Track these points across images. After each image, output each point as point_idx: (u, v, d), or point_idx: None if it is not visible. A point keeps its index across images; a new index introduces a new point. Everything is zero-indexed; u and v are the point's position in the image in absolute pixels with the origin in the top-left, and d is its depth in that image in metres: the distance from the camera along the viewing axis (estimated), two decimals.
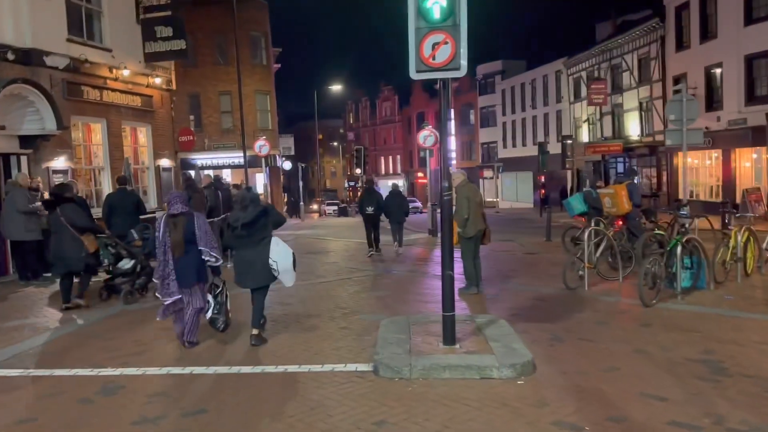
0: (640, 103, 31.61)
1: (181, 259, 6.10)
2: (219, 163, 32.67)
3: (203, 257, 6.11)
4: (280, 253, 6.31)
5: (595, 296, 8.73)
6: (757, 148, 23.62)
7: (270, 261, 6.25)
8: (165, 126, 16.11)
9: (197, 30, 32.00)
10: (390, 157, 73.28)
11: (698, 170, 28.04)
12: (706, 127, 25.51)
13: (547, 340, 6.33)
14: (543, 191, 34.22)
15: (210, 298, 6.30)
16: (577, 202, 13.04)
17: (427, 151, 19.84)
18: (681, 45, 27.58)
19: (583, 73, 38.12)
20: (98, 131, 14.25)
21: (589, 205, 12.80)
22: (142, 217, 11.45)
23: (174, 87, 16.45)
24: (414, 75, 5.38)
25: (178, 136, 16.48)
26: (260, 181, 30.68)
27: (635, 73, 31.78)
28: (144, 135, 15.68)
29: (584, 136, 37.57)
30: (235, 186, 15.29)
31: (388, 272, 11.48)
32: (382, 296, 9.02)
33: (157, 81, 15.63)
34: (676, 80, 28.07)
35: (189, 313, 6.20)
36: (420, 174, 67.10)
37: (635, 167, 28.58)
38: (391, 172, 72.78)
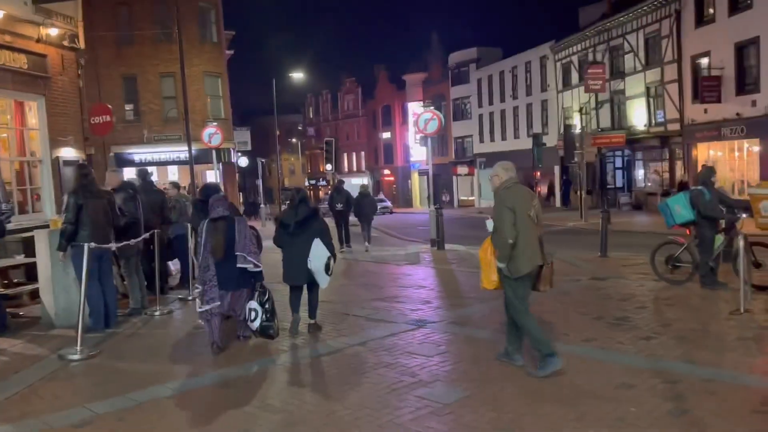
0: (648, 89, 27.97)
1: (222, 264, 5.98)
2: (161, 158, 27.51)
3: (238, 264, 5.97)
4: (316, 254, 6.41)
5: None
6: None
7: (308, 260, 6.39)
8: (68, 101, 11.12)
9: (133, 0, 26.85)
10: (354, 154, 68.67)
11: (717, 164, 24.43)
12: (738, 114, 22.04)
13: None
14: (540, 189, 30.37)
15: (257, 305, 6.12)
16: (680, 206, 8.87)
17: (428, 140, 15.45)
18: (701, 20, 23.96)
19: (574, 58, 34.39)
20: None
21: (698, 212, 8.68)
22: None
23: (81, 45, 11.42)
24: None
25: (89, 116, 11.57)
26: (212, 180, 25.73)
27: (641, 54, 28.11)
28: (34, 113, 10.69)
29: (576, 128, 33.84)
30: (174, 185, 10.60)
31: (420, 325, 7.00)
32: (461, 415, 4.54)
33: (54, 33, 10.64)
34: (695, 60, 24.52)
35: (239, 319, 6.25)
36: (387, 171, 62.80)
37: None
38: (355, 169, 68.19)
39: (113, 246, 7.22)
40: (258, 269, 6.09)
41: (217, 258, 5.95)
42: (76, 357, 6.03)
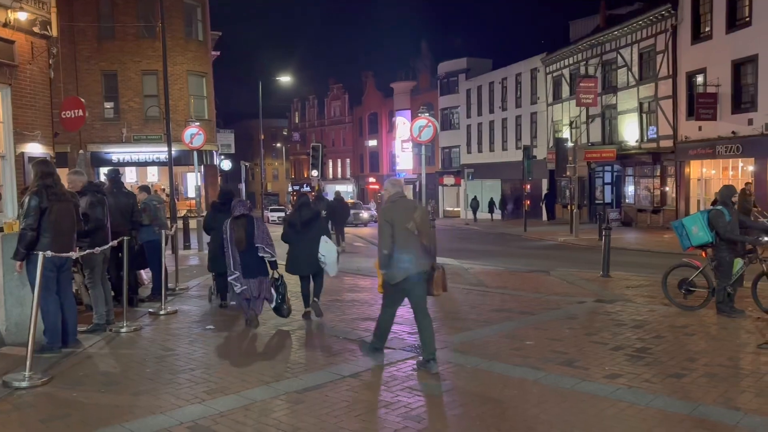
0: (641, 104, 27.66)
1: (244, 255, 7.22)
2: (140, 158, 26.57)
3: (259, 253, 7.24)
4: (326, 249, 7.68)
5: None
6: None
7: (319, 255, 7.65)
8: (37, 92, 10.22)
9: None
10: (339, 161, 67.91)
11: (710, 182, 24.16)
12: (733, 132, 21.71)
13: None
14: (528, 202, 29.84)
15: (272, 290, 7.38)
16: (697, 228, 8.26)
17: (422, 148, 14.74)
18: (698, 36, 23.69)
19: (566, 71, 34.08)
20: None
21: (716, 234, 8.09)
22: None
23: (54, 32, 10.57)
24: None
25: (60, 110, 10.70)
26: (192, 183, 24.83)
27: (635, 69, 27.81)
28: None
29: (567, 141, 33.43)
30: (144, 188, 9.76)
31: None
32: None
33: (23, 18, 9.77)
34: (691, 76, 24.22)
35: (258, 300, 7.38)
36: (371, 179, 62.05)
37: None
38: (339, 176, 67.44)
39: (74, 254, 6.38)
40: (273, 258, 7.38)
41: (241, 248, 7.18)
42: (23, 384, 5.17)
